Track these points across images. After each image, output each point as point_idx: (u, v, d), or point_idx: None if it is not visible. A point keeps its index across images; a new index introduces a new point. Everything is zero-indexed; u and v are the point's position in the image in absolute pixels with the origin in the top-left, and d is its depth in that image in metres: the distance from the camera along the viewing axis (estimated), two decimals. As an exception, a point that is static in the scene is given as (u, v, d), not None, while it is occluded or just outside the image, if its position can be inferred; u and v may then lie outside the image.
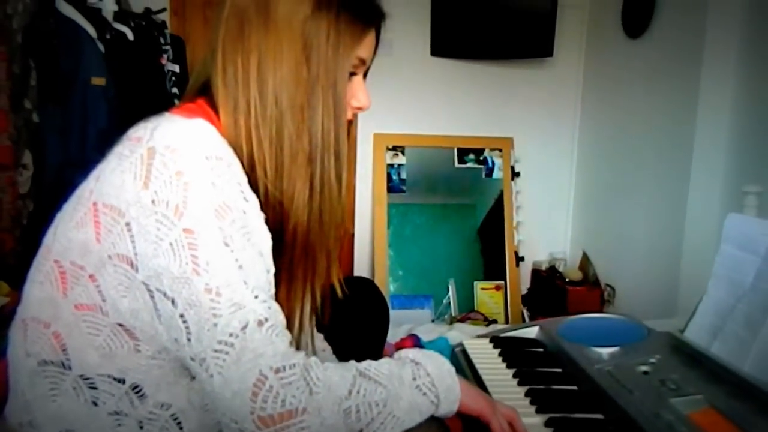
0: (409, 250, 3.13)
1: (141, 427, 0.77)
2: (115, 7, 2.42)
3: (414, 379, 0.81)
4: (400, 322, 2.67)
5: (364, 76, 0.91)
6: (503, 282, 3.15)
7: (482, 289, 3.14)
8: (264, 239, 0.79)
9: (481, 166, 3.21)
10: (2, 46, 2.10)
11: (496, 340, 1.23)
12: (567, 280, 3.01)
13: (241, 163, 0.80)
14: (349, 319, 1.10)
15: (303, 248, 0.85)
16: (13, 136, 2.15)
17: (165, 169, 0.73)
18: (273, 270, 0.80)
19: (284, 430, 0.70)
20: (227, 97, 0.83)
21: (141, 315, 0.75)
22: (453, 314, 3.06)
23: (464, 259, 3.16)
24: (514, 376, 1.06)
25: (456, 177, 3.20)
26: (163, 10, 2.69)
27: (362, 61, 0.88)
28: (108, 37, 2.33)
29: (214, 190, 0.74)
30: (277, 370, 0.71)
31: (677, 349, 1.08)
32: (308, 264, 0.87)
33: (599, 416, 0.92)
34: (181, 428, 0.79)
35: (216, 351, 0.70)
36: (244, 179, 0.79)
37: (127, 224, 0.74)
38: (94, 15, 2.31)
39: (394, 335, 2.36)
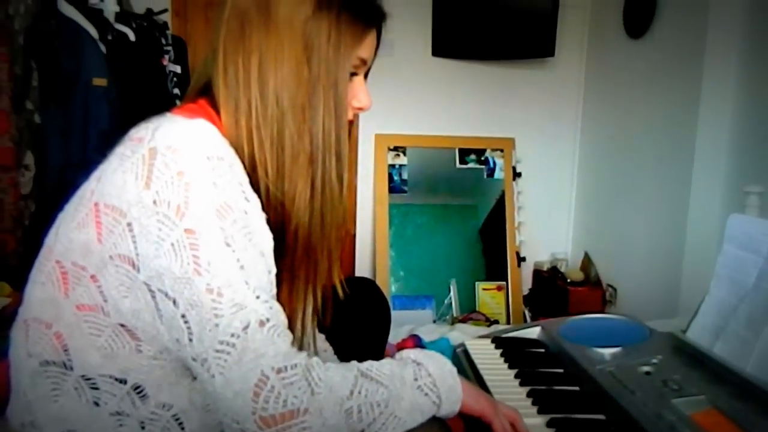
0: (410, 251, 3.13)
1: (143, 428, 0.77)
2: (117, 8, 2.42)
3: (416, 379, 0.81)
4: (401, 323, 2.67)
5: (365, 76, 0.91)
6: (505, 282, 3.15)
7: (484, 289, 3.14)
8: (265, 239, 0.79)
9: (483, 167, 3.21)
10: (4, 48, 2.10)
11: (498, 341, 1.23)
12: (568, 280, 3.00)
13: (243, 163, 0.80)
14: (350, 320, 1.10)
15: (304, 249, 0.85)
16: (15, 137, 2.16)
17: (166, 169, 0.73)
18: (274, 270, 0.80)
19: (286, 431, 0.70)
20: (228, 97, 0.83)
21: (142, 315, 0.75)
22: (454, 315, 3.06)
23: (466, 260, 3.16)
24: (516, 376, 1.06)
25: (457, 177, 3.20)
26: (165, 10, 2.70)
27: (363, 62, 0.88)
28: (109, 37, 2.34)
29: (216, 190, 0.74)
30: (279, 371, 0.70)
31: (679, 349, 1.07)
32: (310, 264, 0.87)
33: (601, 417, 0.92)
34: (182, 428, 0.79)
35: (217, 351, 0.70)
36: (246, 179, 0.79)
37: (129, 225, 0.74)
38: (95, 16, 2.31)
39: (395, 336, 2.37)
